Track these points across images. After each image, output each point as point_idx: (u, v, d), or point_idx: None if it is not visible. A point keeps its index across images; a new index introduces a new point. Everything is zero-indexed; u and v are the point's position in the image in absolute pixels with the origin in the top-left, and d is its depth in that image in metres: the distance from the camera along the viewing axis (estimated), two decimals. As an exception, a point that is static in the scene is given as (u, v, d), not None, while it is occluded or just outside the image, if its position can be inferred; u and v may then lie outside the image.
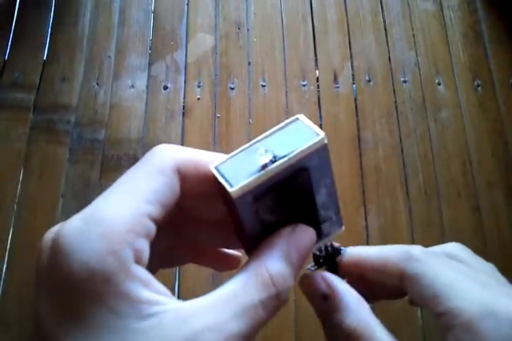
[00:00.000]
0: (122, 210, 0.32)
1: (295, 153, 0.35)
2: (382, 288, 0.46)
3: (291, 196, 0.38)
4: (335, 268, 0.46)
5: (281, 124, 0.37)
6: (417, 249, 0.42)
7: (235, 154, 0.35)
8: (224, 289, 0.32)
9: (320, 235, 0.40)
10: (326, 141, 0.37)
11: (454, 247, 0.47)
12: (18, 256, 0.95)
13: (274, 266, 0.34)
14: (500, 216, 1.03)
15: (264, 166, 0.35)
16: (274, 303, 0.32)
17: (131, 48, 1.21)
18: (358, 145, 1.10)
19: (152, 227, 0.33)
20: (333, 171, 0.39)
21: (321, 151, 0.37)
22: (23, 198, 1.01)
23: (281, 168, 0.35)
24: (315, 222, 0.40)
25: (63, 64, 1.18)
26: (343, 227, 0.42)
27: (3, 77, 1.14)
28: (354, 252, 0.46)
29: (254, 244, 0.38)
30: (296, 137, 0.37)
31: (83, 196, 1.02)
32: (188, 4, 1.27)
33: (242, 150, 0.35)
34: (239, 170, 0.35)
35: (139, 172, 0.34)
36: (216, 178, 0.34)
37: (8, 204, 1.00)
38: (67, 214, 1.00)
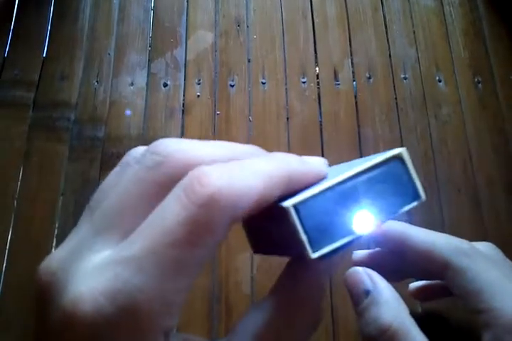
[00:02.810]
0: (156, 291, 0.26)
1: (392, 216, 0.31)
2: (415, 268, 0.46)
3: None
4: None
5: (380, 157, 0.31)
6: (466, 244, 0.42)
7: (321, 192, 0.29)
8: None
9: None
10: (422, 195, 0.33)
11: (489, 247, 0.47)
12: (18, 253, 0.95)
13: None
14: (500, 212, 1.03)
15: (358, 231, 0.30)
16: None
17: (130, 45, 1.21)
18: (358, 142, 1.10)
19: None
20: None
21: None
22: (23, 195, 1.01)
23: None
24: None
25: (63, 61, 1.18)
26: None
27: (2, 74, 1.14)
28: (398, 228, 0.45)
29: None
30: (395, 186, 0.31)
31: (83, 193, 1.02)
32: (187, 1, 1.27)
33: (330, 188, 0.30)
34: (324, 225, 0.29)
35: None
36: (291, 223, 0.28)
37: (8, 202, 1.00)
38: (67, 212, 1.00)
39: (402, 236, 0.46)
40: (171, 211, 0.26)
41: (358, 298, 0.40)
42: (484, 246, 0.50)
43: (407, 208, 0.33)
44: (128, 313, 0.25)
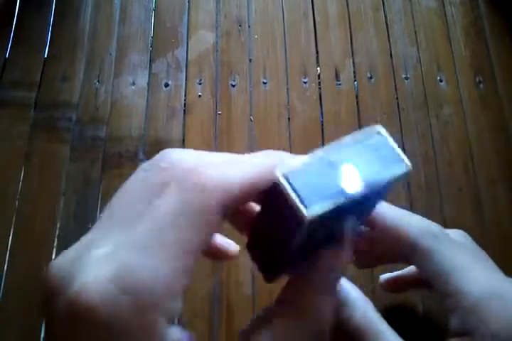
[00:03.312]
0: (160, 272, 0.27)
1: (382, 182, 0.32)
2: (387, 252, 0.46)
3: (345, 217, 0.35)
4: None
5: (360, 135, 0.33)
6: (435, 226, 0.42)
7: (309, 162, 0.30)
8: None
9: None
10: (409, 168, 0.36)
11: (459, 233, 0.48)
12: (19, 252, 0.96)
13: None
14: (501, 212, 1.03)
15: (348, 190, 0.31)
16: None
17: (132, 46, 1.21)
18: (359, 142, 1.10)
19: (190, 274, 0.29)
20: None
21: (401, 179, 0.34)
22: (24, 196, 1.01)
23: (363, 195, 0.31)
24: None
25: (64, 61, 1.18)
26: None
27: (3, 75, 1.14)
28: (380, 211, 0.44)
29: (285, 264, 0.36)
30: (378, 157, 0.33)
31: (84, 193, 1.02)
32: (189, 1, 1.27)
33: (318, 158, 0.31)
34: (314, 185, 0.29)
35: (179, 217, 0.28)
36: (282, 190, 0.29)
37: (10, 202, 1.00)
38: (68, 212, 1.00)
39: (382, 217, 0.46)
40: (166, 197, 0.28)
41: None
42: (455, 233, 0.51)
43: (396, 176, 0.34)
44: (133, 296, 0.26)
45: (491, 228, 1.02)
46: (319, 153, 0.31)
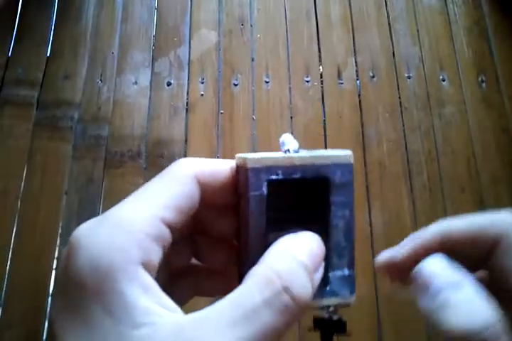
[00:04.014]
0: (136, 212, 0.31)
1: (318, 154, 0.35)
2: (466, 259, 0.39)
3: (304, 202, 0.37)
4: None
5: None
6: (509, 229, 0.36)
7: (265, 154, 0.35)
8: (225, 298, 0.29)
9: (325, 284, 0.36)
10: (351, 160, 0.37)
11: None
12: (21, 252, 0.96)
13: (278, 263, 0.31)
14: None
15: (286, 152, 0.35)
16: (284, 301, 0.28)
17: (134, 44, 1.21)
18: (361, 141, 1.10)
19: (165, 232, 0.32)
20: (354, 216, 0.37)
21: (344, 168, 0.37)
22: (27, 194, 1.01)
23: (300, 161, 0.35)
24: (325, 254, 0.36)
25: (66, 60, 1.18)
26: (355, 297, 0.36)
27: (6, 73, 1.14)
28: (441, 228, 0.39)
29: (254, 251, 0.35)
30: (325, 153, 0.36)
31: (86, 192, 1.02)
32: (191, 0, 1.27)
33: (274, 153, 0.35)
34: (263, 157, 0.34)
35: (158, 181, 0.34)
36: (237, 161, 0.35)
37: (12, 201, 1.00)
38: (70, 211, 1.00)
39: (447, 232, 0.41)
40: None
41: (439, 291, 0.33)
42: None
43: (337, 156, 0.37)
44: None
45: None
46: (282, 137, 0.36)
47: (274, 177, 0.34)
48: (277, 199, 0.35)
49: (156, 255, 0.31)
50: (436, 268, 0.34)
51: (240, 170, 0.35)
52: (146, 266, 0.30)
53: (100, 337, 0.27)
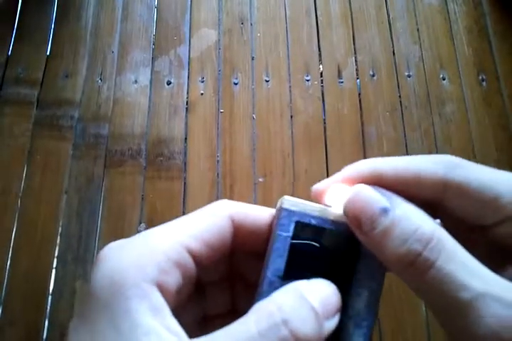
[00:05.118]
0: (162, 237, 0.32)
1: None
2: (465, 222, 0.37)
3: (331, 256, 0.36)
4: None
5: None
6: (455, 157, 0.34)
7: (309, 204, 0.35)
8: (223, 328, 0.28)
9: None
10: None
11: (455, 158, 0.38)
12: (21, 251, 0.96)
13: (283, 298, 0.30)
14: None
15: (324, 206, 0.35)
16: (281, 334, 0.27)
17: (134, 43, 1.21)
18: (362, 140, 1.10)
19: (188, 259, 0.32)
20: (380, 293, 0.35)
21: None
22: (27, 193, 1.01)
23: (336, 217, 0.35)
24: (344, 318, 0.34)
25: (66, 59, 1.18)
26: None
27: (6, 72, 1.14)
28: (370, 167, 0.37)
29: (266, 292, 0.34)
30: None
31: (86, 191, 1.02)
32: (191, -1, 1.27)
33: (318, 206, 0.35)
34: (300, 202, 0.34)
35: (192, 214, 0.34)
36: (278, 206, 0.35)
37: (12, 200, 1.00)
38: (70, 210, 1.00)
39: (374, 173, 0.38)
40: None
41: (372, 220, 0.33)
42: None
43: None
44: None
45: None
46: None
47: (304, 221, 0.34)
48: (305, 248, 0.35)
49: (173, 279, 0.31)
50: (364, 196, 0.34)
51: (276, 212, 0.35)
52: (161, 288, 0.30)
53: None
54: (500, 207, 0.33)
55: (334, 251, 0.36)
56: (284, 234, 0.34)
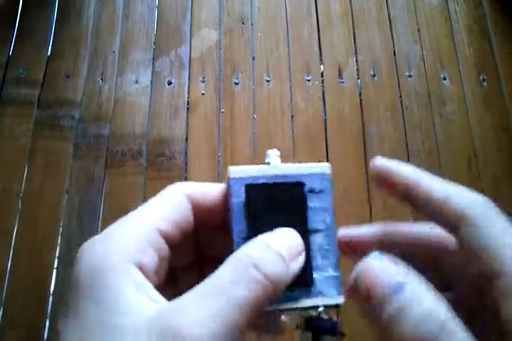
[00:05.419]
0: (135, 223, 0.35)
1: (297, 166, 0.39)
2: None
3: (286, 210, 0.39)
4: None
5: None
6: (482, 197, 0.34)
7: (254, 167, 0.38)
8: (201, 282, 0.31)
9: (311, 284, 0.36)
10: (329, 171, 0.40)
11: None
12: (22, 251, 0.96)
13: (250, 248, 0.33)
14: (506, 210, 1.03)
15: (267, 164, 0.38)
16: (252, 275, 0.30)
17: (135, 43, 1.21)
18: (362, 139, 1.10)
19: (161, 240, 0.35)
20: (334, 220, 0.39)
21: (322, 177, 0.40)
22: (28, 193, 1.02)
23: (279, 171, 0.38)
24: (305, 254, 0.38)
25: (67, 59, 1.18)
26: (342, 299, 0.36)
27: (7, 72, 1.14)
28: (409, 172, 0.37)
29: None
30: (304, 165, 0.40)
31: (87, 191, 1.02)
32: (191, -1, 1.27)
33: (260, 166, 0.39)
34: (244, 167, 0.37)
35: (153, 200, 0.37)
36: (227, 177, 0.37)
37: (13, 200, 1.00)
38: (71, 210, 1.00)
39: (414, 181, 0.39)
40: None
41: (386, 295, 0.31)
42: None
43: (315, 169, 0.40)
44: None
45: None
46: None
47: (253, 183, 0.38)
48: (259, 207, 0.38)
49: (150, 258, 0.33)
50: (377, 270, 0.33)
51: (227, 183, 0.38)
52: (141, 268, 0.32)
53: (87, 327, 0.29)
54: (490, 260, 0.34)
55: (285, 200, 0.39)
56: (238, 199, 0.37)
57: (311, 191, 0.40)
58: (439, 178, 0.39)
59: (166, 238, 0.35)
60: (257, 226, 0.38)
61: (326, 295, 0.37)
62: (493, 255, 0.35)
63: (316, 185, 0.40)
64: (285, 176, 0.38)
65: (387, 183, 0.40)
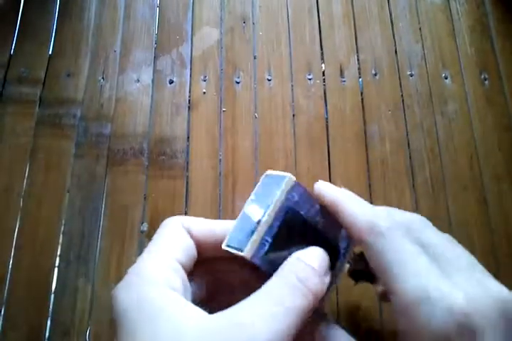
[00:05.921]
0: (157, 257, 0.41)
1: (274, 199, 0.42)
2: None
3: (294, 234, 0.44)
4: (371, 276, 0.53)
5: (258, 183, 0.44)
6: (385, 221, 0.42)
7: (234, 225, 0.42)
8: (252, 297, 0.37)
9: (337, 255, 0.45)
10: (293, 179, 0.45)
11: (416, 220, 0.47)
12: (24, 251, 0.96)
13: (292, 267, 0.39)
14: (507, 209, 1.03)
15: (258, 222, 0.41)
16: (303, 291, 0.36)
17: (136, 42, 1.21)
18: (364, 139, 1.10)
19: (179, 266, 0.41)
20: (315, 198, 0.46)
21: (295, 188, 0.44)
22: (29, 192, 1.02)
23: (271, 217, 0.42)
24: (329, 245, 0.44)
25: (69, 58, 1.18)
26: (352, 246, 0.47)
27: (8, 71, 1.14)
28: (333, 194, 0.49)
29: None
30: (271, 185, 0.43)
31: (89, 190, 1.02)
32: (193, -2, 1.27)
33: (239, 218, 0.42)
34: (241, 236, 0.41)
35: (158, 235, 0.43)
36: (231, 253, 0.41)
37: (15, 198, 1.00)
38: (73, 208, 1.00)
39: (335, 202, 0.51)
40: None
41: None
42: (412, 220, 0.48)
43: (284, 188, 0.44)
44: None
45: (497, 225, 1.01)
46: (243, 209, 0.42)
47: (265, 240, 0.42)
48: (279, 244, 0.43)
49: (179, 284, 0.39)
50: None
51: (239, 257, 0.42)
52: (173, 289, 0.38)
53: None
54: (389, 282, 0.42)
55: (304, 223, 0.44)
56: (261, 254, 0.41)
57: (299, 204, 0.44)
58: (361, 201, 0.50)
59: (183, 266, 0.41)
60: (285, 242, 0.42)
61: (348, 248, 0.48)
62: (387, 271, 0.41)
63: (297, 197, 0.44)
64: (274, 214, 0.42)
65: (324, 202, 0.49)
